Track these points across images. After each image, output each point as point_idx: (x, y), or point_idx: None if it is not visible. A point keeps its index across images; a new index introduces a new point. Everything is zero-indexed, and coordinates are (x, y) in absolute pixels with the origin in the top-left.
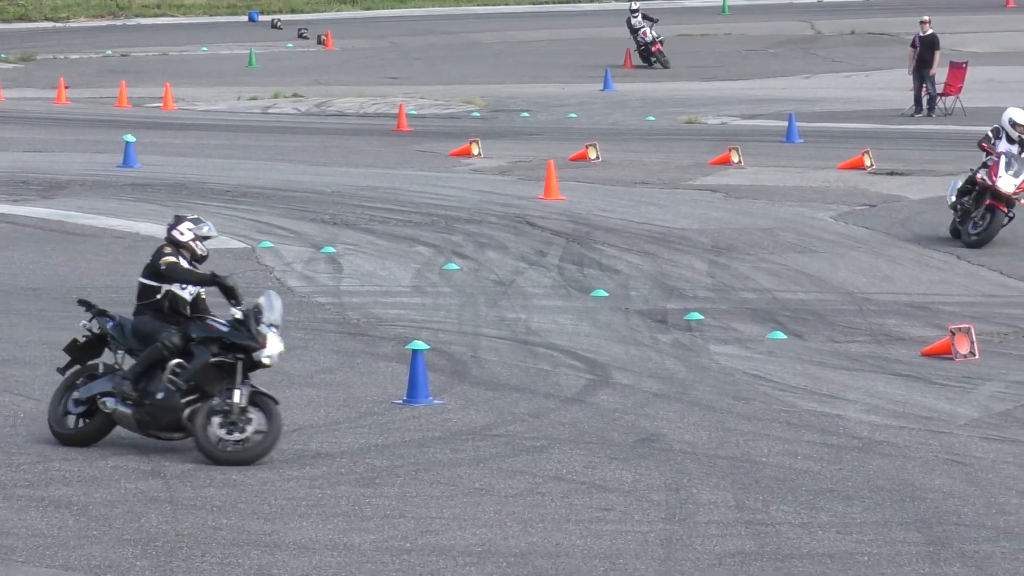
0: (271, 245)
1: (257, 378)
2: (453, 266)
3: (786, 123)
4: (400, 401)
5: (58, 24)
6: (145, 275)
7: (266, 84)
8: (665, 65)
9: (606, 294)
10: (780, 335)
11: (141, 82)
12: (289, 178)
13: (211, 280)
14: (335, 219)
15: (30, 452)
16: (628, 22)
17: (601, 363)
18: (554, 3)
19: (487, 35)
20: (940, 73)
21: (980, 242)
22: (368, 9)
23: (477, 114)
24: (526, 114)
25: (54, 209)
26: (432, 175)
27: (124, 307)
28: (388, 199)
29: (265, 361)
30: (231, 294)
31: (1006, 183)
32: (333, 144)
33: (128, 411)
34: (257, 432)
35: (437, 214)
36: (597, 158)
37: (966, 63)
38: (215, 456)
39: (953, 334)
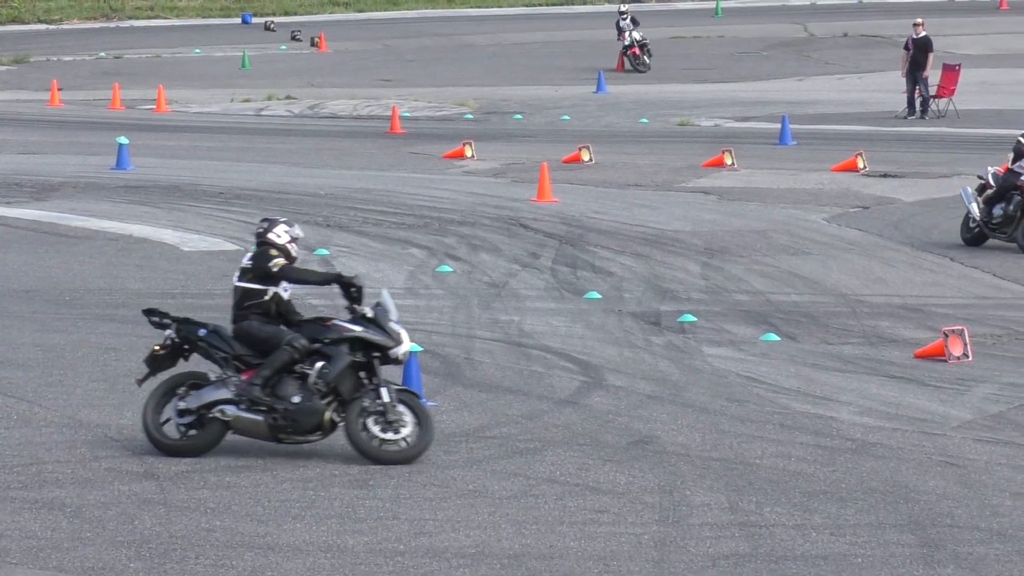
0: None
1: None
2: (446, 268)
3: (779, 125)
4: None
5: (51, 26)
6: (246, 279)
7: (259, 86)
8: (638, 68)
9: (599, 296)
10: (773, 337)
11: (134, 84)
12: (282, 180)
13: (336, 279)
14: (328, 221)
15: (23, 454)
16: (617, 24)
17: (594, 365)
18: (547, 5)
19: (480, 37)
20: (933, 75)
21: None
22: (361, 11)
23: (470, 116)
24: (519, 116)
25: (47, 211)
26: (425, 177)
27: (119, 309)
28: (381, 201)
29: (401, 358)
30: (357, 294)
31: None
32: (326, 146)
33: (257, 418)
34: (414, 429)
35: (430, 216)
36: (590, 160)
37: (959, 65)
38: (376, 456)
39: (946, 336)
